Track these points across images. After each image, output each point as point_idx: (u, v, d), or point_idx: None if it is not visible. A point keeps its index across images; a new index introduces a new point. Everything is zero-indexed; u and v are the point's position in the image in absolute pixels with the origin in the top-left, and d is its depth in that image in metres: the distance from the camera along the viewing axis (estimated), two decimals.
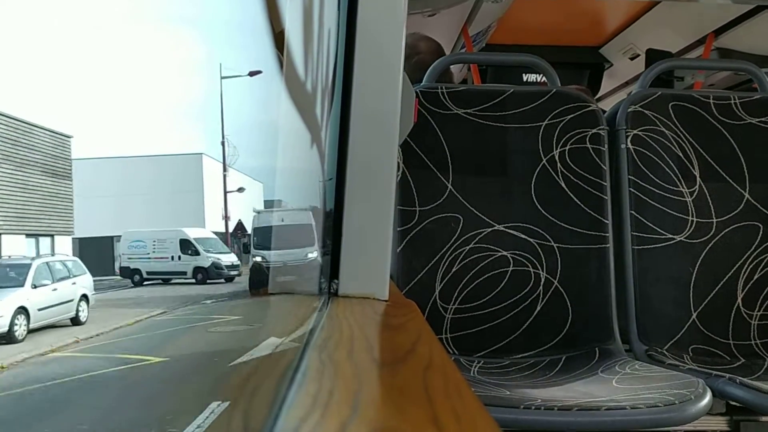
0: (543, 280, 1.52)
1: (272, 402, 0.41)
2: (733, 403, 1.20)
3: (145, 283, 14.38)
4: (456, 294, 1.51)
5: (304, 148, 1.06)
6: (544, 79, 1.76)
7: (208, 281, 14.13)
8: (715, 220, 1.58)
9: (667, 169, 1.60)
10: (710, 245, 1.57)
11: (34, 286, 7.83)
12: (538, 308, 1.51)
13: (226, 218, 18.02)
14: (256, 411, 0.40)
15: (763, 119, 1.64)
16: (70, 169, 13.27)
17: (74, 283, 8.64)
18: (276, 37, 0.99)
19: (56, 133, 13.10)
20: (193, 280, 14.29)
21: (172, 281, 14.61)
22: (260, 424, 0.37)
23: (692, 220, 1.58)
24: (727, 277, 1.56)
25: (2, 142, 11.05)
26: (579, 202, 1.55)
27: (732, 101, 1.66)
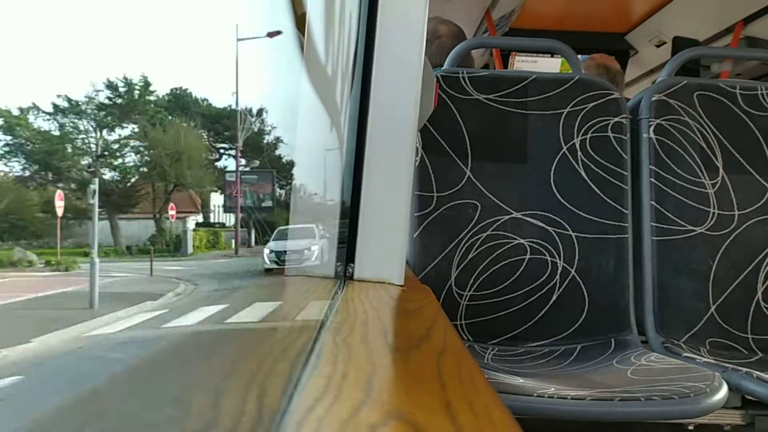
0: (560, 268, 1.51)
1: (287, 382, 0.42)
2: (749, 398, 1.19)
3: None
4: (472, 281, 1.51)
5: (324, 130, 1.06)
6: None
7: None
8: (737, 213, 1.56)
9: (689, 160, 1.57)
10: (731, 238, 1.55)
11: None
12: (554, 297, 1.51)
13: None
14: (271, 391, 0.40)
15: None
16: None
17: None
18: (297, 19, 0.98)
19: None
20: None
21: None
22: (275, 404, 0.38)
23: (713, 212, 1.55)
24: (747, 271, 1.54)
25: None
26: (598, 191, 1.54)
27: (759, 92, 1.63)
